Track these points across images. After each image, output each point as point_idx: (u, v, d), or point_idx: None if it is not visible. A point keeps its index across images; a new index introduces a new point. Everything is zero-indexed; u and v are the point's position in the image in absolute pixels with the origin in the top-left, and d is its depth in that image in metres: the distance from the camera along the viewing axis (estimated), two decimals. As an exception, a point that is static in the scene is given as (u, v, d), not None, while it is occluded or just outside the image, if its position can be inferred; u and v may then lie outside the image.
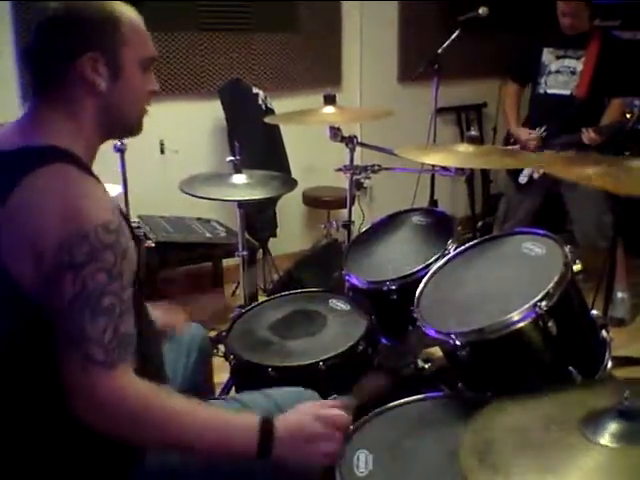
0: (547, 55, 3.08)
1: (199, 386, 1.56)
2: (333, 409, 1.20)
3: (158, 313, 1.41)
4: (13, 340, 1.04)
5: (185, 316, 1.61)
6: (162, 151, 3.11)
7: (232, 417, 1.15)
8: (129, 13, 1.15)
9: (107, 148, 2.58)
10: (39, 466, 1.09)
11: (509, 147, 3.16)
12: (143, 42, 1.17)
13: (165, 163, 3.15)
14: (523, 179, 3.08)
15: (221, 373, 1.95)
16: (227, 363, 1.83)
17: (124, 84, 1.14)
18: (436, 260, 1.75)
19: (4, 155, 1.07)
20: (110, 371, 1.00)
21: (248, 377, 1.74)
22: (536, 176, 3.04)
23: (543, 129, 3.04)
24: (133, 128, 1.22)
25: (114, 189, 2.45)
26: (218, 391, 2.01)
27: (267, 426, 1.10)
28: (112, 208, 1.05)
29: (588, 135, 2.82)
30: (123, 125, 1.20)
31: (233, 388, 1.94)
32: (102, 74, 1.11)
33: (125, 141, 2.58)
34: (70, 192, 1.01)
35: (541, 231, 1.58)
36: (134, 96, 1.17)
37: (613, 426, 1.03)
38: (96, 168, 1.14)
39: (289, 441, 1.11)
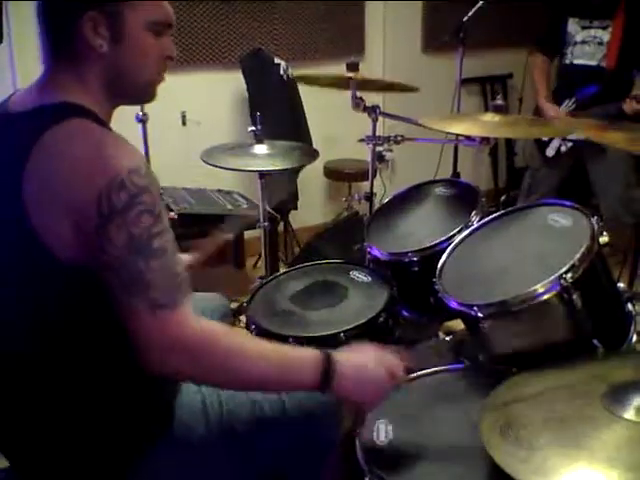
0: (572, 25, 3.00)
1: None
2: (394, 360, 1.20)
3: None
4: (41, 305, 1.04)
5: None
6: (184, 122, 3.10)
7: (295, 352, 1.15)
8: None
9: (129, 118, 2.59)
10: (68, 437, 1.10)
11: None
12: (154, 4, 1.11)
13: (187, 134, 3.15)
14: (551, 152, 3.02)
15: (242, 343, 1.96)
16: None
17: (128, 47, 1.09)
18: (459, 232, 1.73)
19: (19, 116, 1.06)
20: (175, 311, 1.00)
21: (269, 347, 1.74)
22: (564, 149, 2.98)
23: (573, 101, 2.97)
24: (143, 94, 1.17)
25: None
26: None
27: (329, 362, 1.11)
28: (138, 154, 1.03)
29: (631, 105, 2.74)
30: (130, 90, 1.14)
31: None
32: (103, 35, 1.06)
33: (147, 112, 2.58)
34: (94, 143, 0.99)
35: (568, 202, 1.55)
36: (141, 60, 1.11)
37: (638, 400, 1.02)
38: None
39: (352, 379, 1.13)
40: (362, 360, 1.16)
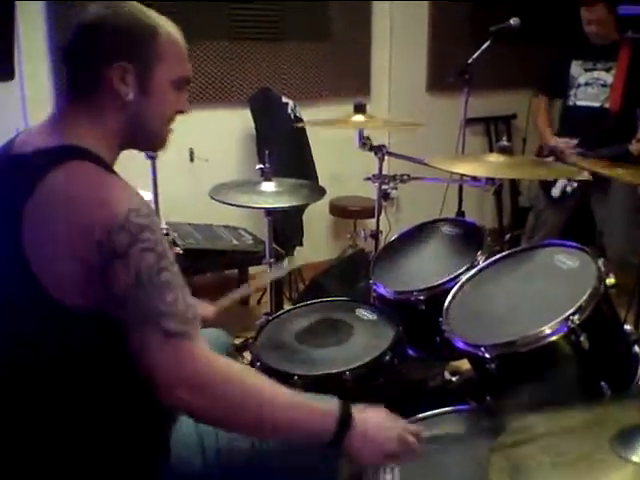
0: (575, 68, 3.04)
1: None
2: (408, 428, 1.17)
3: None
4: (33, 344, 1.03)
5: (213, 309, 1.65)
6: (192, 159, 3.13)
7: (312, 399, 1.12)
8: (170, 28, 1.13)
9: (139, 155, 2.62)
10: (65, 475, 1.08)
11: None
12: (179, 60, 1.15)
13: (195, 171, 3.18)
14: (556, 192, 3.03)
15: (246, 380, 1.95)
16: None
17: (152, 99, 1.12)
18: (465, 271, 1.73)
19: (23, 158, 1.06)
20: (190, 341, 0.99)
21: (274, 385, 1.73)
22: (569, 189, 2.99)
23: (577, 143, 2.99)
24: (156, 144, 1.22)
25: (144, 196, 2.47)
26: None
27: (346, 416, 1.09)
28: (139, 195, 1.04)
29: (637, 146, 2.76)
30: (145, 139, 1.19)
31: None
32: (130, 85, 1.10)
33: (156, 148, 2.62)
34: (93, 185, 1.00)
35: (574, 244, 1.56)
36: (161, 113, 1.15)
37: (648, 444, 1.01)
38: (126, 174, 1.13)
39: (361, 438, 1.10)
40: (377, 420, 1.14)
